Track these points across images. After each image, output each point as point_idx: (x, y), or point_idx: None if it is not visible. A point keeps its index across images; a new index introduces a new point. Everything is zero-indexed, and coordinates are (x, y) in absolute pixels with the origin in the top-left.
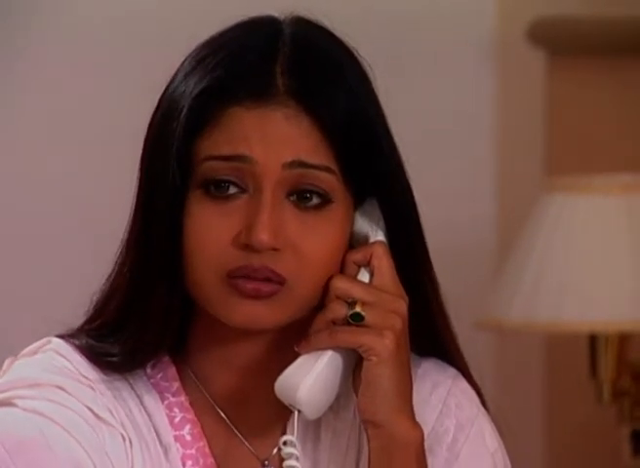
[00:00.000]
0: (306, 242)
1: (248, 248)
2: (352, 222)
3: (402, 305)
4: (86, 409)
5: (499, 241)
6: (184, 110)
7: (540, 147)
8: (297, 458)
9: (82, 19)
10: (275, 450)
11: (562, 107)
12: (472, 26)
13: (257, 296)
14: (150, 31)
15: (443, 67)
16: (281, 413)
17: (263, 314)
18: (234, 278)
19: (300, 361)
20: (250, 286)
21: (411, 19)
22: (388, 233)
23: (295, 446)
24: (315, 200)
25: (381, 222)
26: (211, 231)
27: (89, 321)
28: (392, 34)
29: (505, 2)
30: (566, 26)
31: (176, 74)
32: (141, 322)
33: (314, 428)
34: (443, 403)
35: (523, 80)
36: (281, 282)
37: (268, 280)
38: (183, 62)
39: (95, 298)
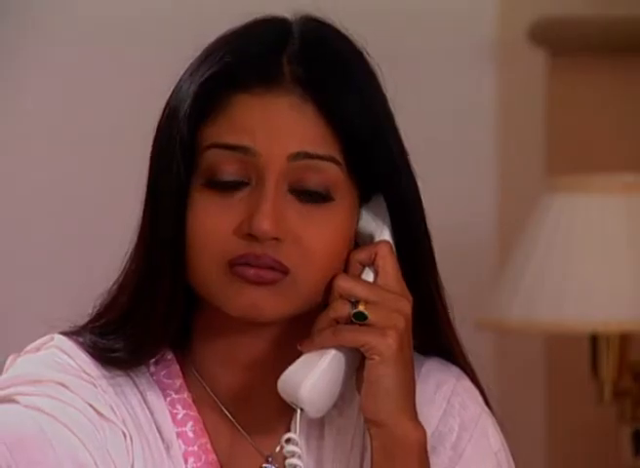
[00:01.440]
0: (308, 233)
1: (250, 237)
2: (358, 220)
3: (406, 305)
4: (87, 407)
5: (499, 241)
6: (190, 98)
7: (541, 147)
8: (299, 456)
9: (82, 19)
10: (279, 447)
11: (563, 107)
12: (473, 27)
13: (259, 282)
14: (152, 31)
15: (444, 68)
16: (285, 410)
17: (266, 301)
18: (236, 266)
19: (302, 359)
20: (252, 271)
21: (411, 19)
22: (394, 232)
23: (297, 444)
24: (319, 195)
25: (387, 221)
26: (213, 221)
27: (94, 319)
28: (393, 34)
29: (506, 2)
30: (567, 27)
31: (183, 74)
32: (145, 318)
33: (318, 426)
34: (447, 402)
35: (524, 80)
36: (284, 271)
37: (271, 268)
38: (192, 63)
39: (100, 301)
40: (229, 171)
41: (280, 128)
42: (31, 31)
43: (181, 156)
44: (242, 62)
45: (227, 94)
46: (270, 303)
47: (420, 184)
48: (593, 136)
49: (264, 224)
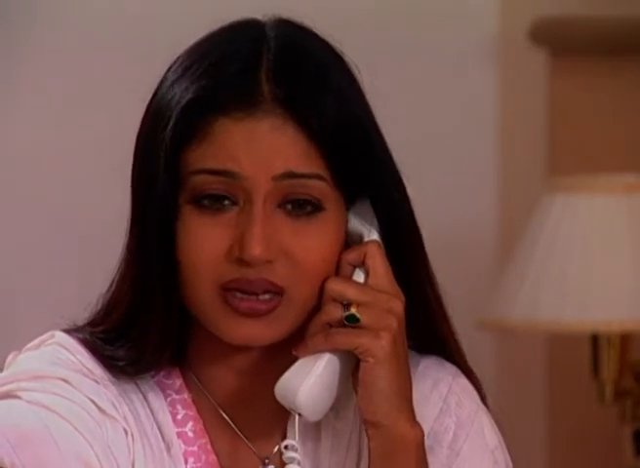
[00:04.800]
0: (300, 249)
1: (241, 262)
2: (346, 223)
3: (398, 304)
4: (89, 402)
5: (501, 241)
6: (172, 121)
7: (542, 147)
8: (298, 463)
9: (81, 21)
10: (276, 449)
11: (564, 107)
12: (474, 27)
13: (254, 315)
14: (150, 32)
15: (445, 67)
16: (282, 413)
17: (262, 332)
18: (229, 291)
19: (298, 364)
20: (245, 304)
21: (412, 18)
22: (382, 232)
23: (296, 450)
24: (307, 208)
25: (375, 221)
26: (203, 245)
27: (92, 324)
28: (394, 34)
29: (507, 2)
30: (568, 27)
31: (162, 82)
32: (143, 333)
33: (315, 428)
34: (443, 400)
35: (525, 80)
36: (279, 292)
37: (267, 291)
38: (169, 69)
39: (95, 309)
40: (217, 193)
41: (263, 150)
42: (31, 32)
43: (167, 179)
44: (220, 86)
45: (208, 118)
46: (266, 332)
47: (421, 185)
48: (594, 137)
49: (255, 250)
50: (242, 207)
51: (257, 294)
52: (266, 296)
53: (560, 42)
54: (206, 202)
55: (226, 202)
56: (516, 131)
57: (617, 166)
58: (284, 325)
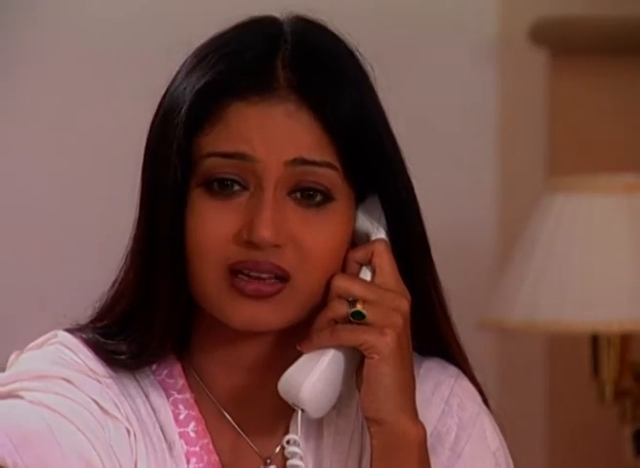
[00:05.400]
0: (308, 237)
1: (250, 244)
2: (354, 220)
3: (403, 303)
4: (92, 402)
5: (501, 241)
6: (186, 106)
7: (542, 147)
8: (300, 458)
9: (81, 21)
10: (278, 449)
11: (564, 107)
12: (474, 27)
13: (259, 297)
14: (150, 31)
15: (445, 67)
16: (284, 412)
17: (267, 315)
18: (236, 273)
19: (302, 360)
20: (251, 287)
21: (413, 18)
22: (390, 230)
23: (298, 445)
24: (317, 197)
25: (383, 220)
26: (212, 227)
27: (95, 320)
28: (394, 34)
29: (507, 2)
30: (568, 27)
31: (177, 74)
32: (147, 323)
33: (317, 426)
34: (445, 402)
35: (525, 80)
36: (285, 277)
37: (272, 275)
38: (184, 62)
39: (99, 304)
40: (228, 177)
41: (276, 135)
42: (30, 31)
43: (179, 164)
44: (236, 70)
45: (222, 102)
46: (271, 316)
47: (421, 185)
48: (594, 136)
49: (264, 232)
50: (252, 192)
51: (263, 279)
52: (272, 280)
53: (560, 42)
54: (216, 186)
55: (237, 187)
56: (516, 131)
57: (617, 166)
58: (287, 311)
